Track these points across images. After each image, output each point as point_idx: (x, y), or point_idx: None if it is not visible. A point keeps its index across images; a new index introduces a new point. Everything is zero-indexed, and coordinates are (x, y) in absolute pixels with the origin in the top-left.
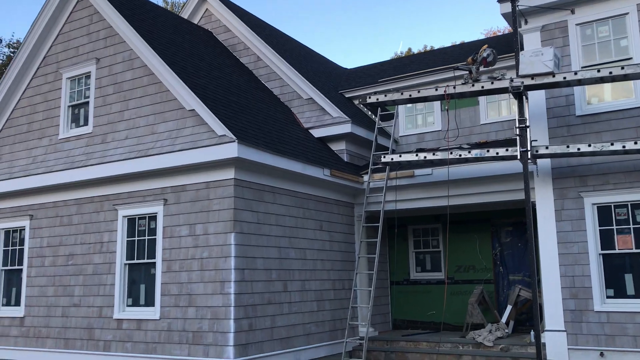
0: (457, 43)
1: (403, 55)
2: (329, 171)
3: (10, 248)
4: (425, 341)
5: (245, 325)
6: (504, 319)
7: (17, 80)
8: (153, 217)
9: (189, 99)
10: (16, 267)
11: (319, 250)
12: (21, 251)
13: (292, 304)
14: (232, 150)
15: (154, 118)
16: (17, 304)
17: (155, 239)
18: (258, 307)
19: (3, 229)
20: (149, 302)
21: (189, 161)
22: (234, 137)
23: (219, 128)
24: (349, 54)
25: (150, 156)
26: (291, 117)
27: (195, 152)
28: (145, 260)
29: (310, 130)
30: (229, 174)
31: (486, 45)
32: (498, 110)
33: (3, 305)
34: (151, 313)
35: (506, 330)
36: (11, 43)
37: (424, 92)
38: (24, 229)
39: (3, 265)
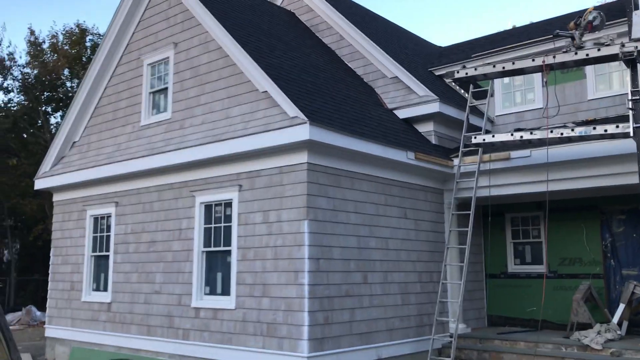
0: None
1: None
2: (413, 154)
3: (98, 234)
4: (523, 340)
5: (320, 318)
6: (615, 319)
7: (102, 69)
8: (229, 204)
9: (261, 80)
10: (104, 253)
11: (403, 239)
12: (108, 237)
13: (372, 296)
14: (303, 132)
15: (228, 102)
16: (105, 289)
17: (230, 226)
18: (335, 300)
19: (92, 215)
20: (225, 291)
21: (261, 145)
22: (306, 119)
23: (291, 109)
24: (453, 35)
25: (223, 141)
26: (374, 97)
27: (266, 135)
28: (222, 248)
29: (395, 111)
30: (302, 157)
31: (592, 8)
32: (609, 84)
33: (93, 290)
34: (227, 302)
35: (618, 332)
36: None
37: (519, 64)
38: (110, 216)
39: (92, 251)
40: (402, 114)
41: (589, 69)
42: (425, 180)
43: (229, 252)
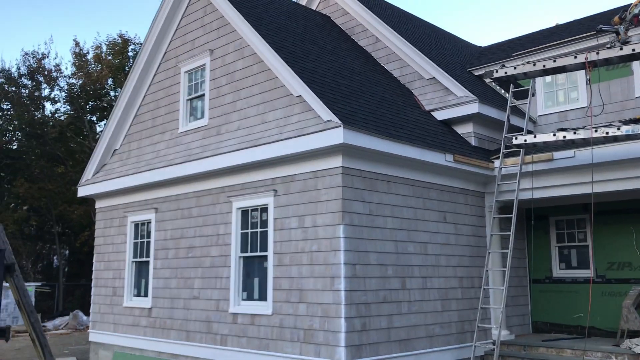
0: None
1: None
2: (451, 156)
3: (139, 240)
4: (570, 348)
5: (357, 324)
6: None
7: (141, 77)
8: (265, 209)
9: (295, 85)
10: (144, 258)
11: (443, 244)
12: (148, 243)
13: (411, 302)
14: (337, 136)
15: (263, 107)
16: (146, 294)
17: (266, 231)
18: (372, 306)
19: (133, 221)
20: (262, 297)
21: (295, 150)
22: (340, 122)
23: (325, 113)
24: (496, 35)
25: (258, 146)
26: (411, 99)
27: (300, 139)
28: (258, 253)
29: (433, 113)
30: (336, 162)
31: (638, 1)
32: None
33: (134, 295)
34: (264, 308)
35: None
36: None
37: (561, 62)
38: (150, 222)
39: (133, 257)
40: (440, 115)
41: (636, 65)
42: (465, 183)
43: (265, 258)
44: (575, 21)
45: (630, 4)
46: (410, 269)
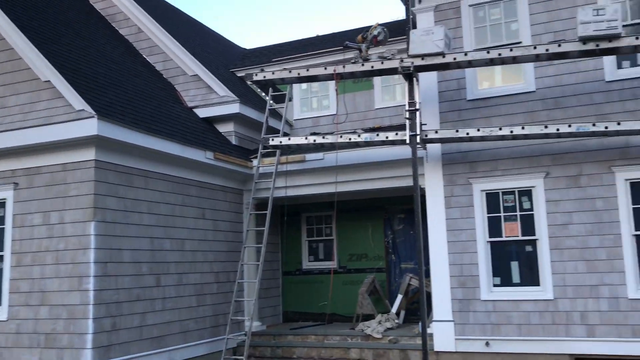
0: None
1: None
2: (212, 154)
3: None
4: (313, 334)
5: (107, 325)
6: (394, 309)
7: None
8: (2, 204)
9: (43, 68)
10: None
11: (201, 240)
12: None
13: (166, 299)
14: (91, 127)
15: (3, 90)
16: None
17: (3, 228)
18: (124, 305)
19: None
20: None
21: (41, 139)
22: (94, 113)
23: (77, 102)
24: (265, 40)
25: None
26: (173, 94)
27: (48, 128)
28: None
29: (195, 110)
30: (89, 154)
31: (377, 23)
32: (393, 95)
33: None
34: None
35: (396, 321)
36: None
37: (313, 71)
38: None
39: None
40: (202, 113)
41: (376, 81)
42: (225, 181)
43: (0, 258)
44: (332, 34)
45: (372, 25)
46: (166, 265)
